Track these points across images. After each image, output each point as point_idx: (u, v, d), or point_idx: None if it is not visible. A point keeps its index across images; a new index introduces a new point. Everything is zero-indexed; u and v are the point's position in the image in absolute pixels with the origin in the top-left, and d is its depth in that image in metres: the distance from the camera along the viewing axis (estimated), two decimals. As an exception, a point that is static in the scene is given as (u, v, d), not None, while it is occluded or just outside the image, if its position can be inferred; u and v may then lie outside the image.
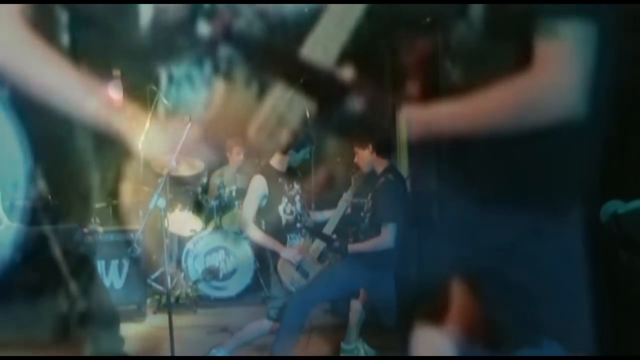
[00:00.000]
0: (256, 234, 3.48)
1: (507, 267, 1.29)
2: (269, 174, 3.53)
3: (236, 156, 5.66)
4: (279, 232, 3.49)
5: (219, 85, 5.52)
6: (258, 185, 3.49)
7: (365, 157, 3.55)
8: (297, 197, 3.60)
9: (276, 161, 3.61)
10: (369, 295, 3.58)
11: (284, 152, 3.53)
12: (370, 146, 3.50)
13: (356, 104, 1.59)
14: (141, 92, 5.04)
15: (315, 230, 3.56)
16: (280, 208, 3.51)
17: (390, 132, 3.40)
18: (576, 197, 1.30)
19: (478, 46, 1.34)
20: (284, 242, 3.50)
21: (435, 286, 1.47)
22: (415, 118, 1.47)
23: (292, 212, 3.54)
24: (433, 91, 1.46)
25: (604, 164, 1.30)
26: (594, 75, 1.16)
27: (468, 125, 1.29)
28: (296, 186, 3.64)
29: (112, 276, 4.66)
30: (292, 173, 3.65)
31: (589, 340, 1.28)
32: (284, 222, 3.51)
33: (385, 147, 3.51)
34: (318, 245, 3.52)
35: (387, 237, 3.34)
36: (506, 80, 1.22)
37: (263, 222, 3.52)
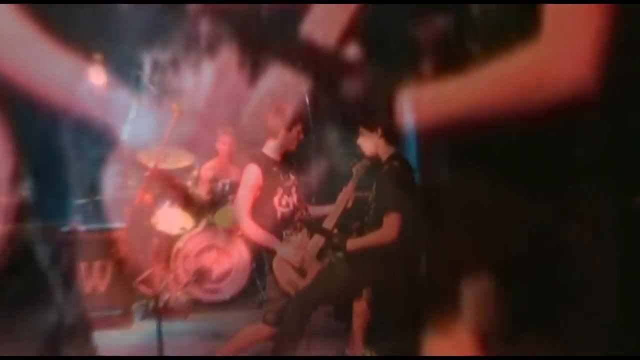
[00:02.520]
0: (251, 229, 3.47)
1: (531, 258, 1.26)
2: (263, 163, 3.51)
3: (228, 146, 5.66)
4: (274, 226, 3.48)
5: (209, 70, 5.50)
6: (251, 175, 3.47)
7: (371, 140, 3.54)
8: (294, 188, 3.59)
9: (270, 148, 3.58)
10: (375, 295, 3.54)
11: (278, 137, 3.52)
12: (379, 130, 3.49)
13: (362, 84, 1.61)
14: (125, 78, 5.01)
15: (314, 225, 3.55)
16: (275, 200, 3.49)
17: (399, 115, 3.38)
18: (601, 182, 1.26)
19: (482, 15, 1.34)
20: (280, 238, 3.48)
21: (448, 282, 1.46)
22: (423, 97, 1.45)
23: (288, 205, 3.52)
24: (440, 68, 1.45)
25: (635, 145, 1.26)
26: (610, 43, 1.14)
27: (476, 104, 1.25)
28: (292, 176, 3.63)
29: (94, 279, 4.62)
30: (287, 162, 3.63)
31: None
32: (279, 215, 3.50)
33: (393, 132, 3.49)
34: (317, 241, 3.51)
35: (390, 228, 3.31)
36: (511, 52, 1.20)
37: (258, 217, 3.50)
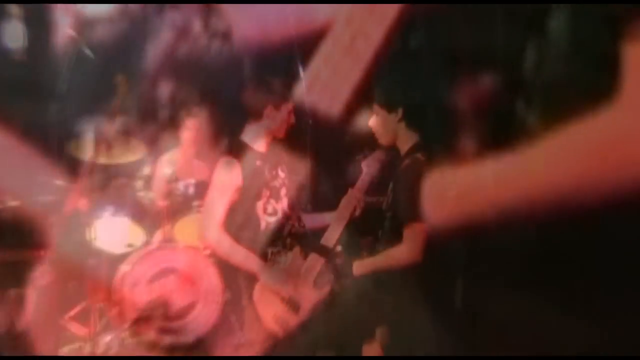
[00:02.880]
0: (224, 246, 3.51)
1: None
2: (242, 155, 3.54)
3: (194, 134, 5.66)
4: (257, 242, 3.52)
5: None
6: (226, 173, 3.51)
7: (388, 123, 3.56)
8: (283, 190, 3.63)
9: (251, 135, 3.62)
10: (392, 336, 3.57)
11: (262, 119, 3.57)
12: (400, 111, 3.51)
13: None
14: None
15: (310, 241, 3.61)
16: (259, 206, 3.53)
17: (426, 97, 3.44)
18: None
19: (551, 76, 1.38)
20: (264, 258, 3.52)
21: (491, 318, 1.50)
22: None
23: (275, 212, 3.57)
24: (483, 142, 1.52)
25: None
26: None
27: (534, 186, 1.32)
28: (282, 174, 3.66)
29: (8, 314, 4.65)
30: (275, 154, 3.68)
31: None
32: (263, 226, 3.54)
33: (418, 116, 3.53)
34: (314, 263, 3.54)
35: (412, 245, 3.34)
36: (581, 119, 1.25)
37: (234, 228, 3.54)
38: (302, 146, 4.68)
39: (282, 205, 3.61)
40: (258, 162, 3.58)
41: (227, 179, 3.50)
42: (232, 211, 3.52)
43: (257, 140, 3.62)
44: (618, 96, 1.20)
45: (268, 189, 3.57)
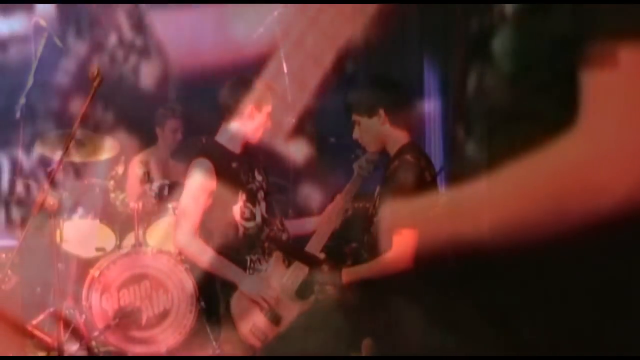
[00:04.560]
0: (199, 252, 3.50)
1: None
2: (216, 157, 3.55)
3: (171, 133, 5.69)
4: (235, 249, 3.51)
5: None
6: (200, 174, 3.50)
7: (372, 128, 3.50)
8: (261, 194, 3.62)
9: (226, 136, 3.61)
10: (379, 348, 3.51)
11: (238, 119, 3.56)
12: (381, 111, 3.45)
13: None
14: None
15: (292, 248, 3.58)
16: (236, 210, 3.51)
17: (412, 91, 3.40)
18: None
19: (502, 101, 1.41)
20: (243, 265, 3.50)
21: (489, 329, 1.50)
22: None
23: (252, 217, 3.55)
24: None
25: None
26: None
27: (494, 216, 1.34)
28: (259, 176, 3.65)
29: (-31, 321, 4.57)
30: (252, 155, 3.68)
31: None
32: (241, 232, 3.53)
33: (404, 114, 3.49)
34: (297, 271, 3.49)
35: (402, 251, 3.29)
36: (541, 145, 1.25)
37: (210, 234, 3.54)
38: (283, 147, 4.66)
39: (261, 209, 3.60)
40: (233, 164, 3.58)
41: (200, 181, 3.51)
42: (207, 216, 3.52)
43: (232, 142, 3.62)
44: (575, 124, 1.18)
45: (244, 192, 3.56)
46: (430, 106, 5.06)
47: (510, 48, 1.37)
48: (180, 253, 4.84)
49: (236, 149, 3.61)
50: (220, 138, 3.63)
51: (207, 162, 3.51)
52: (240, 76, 3.71)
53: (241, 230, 3.52)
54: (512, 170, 1.27)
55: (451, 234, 1.41)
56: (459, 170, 1.51)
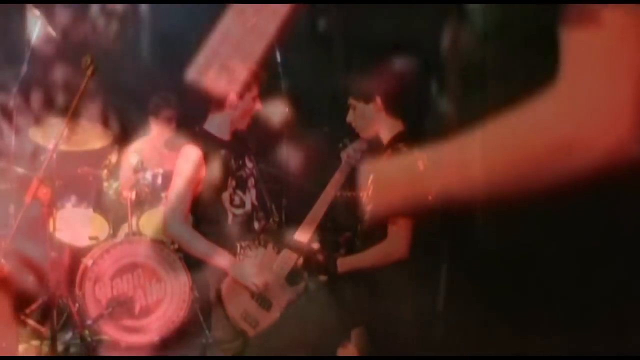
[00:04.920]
0: (189, 239, 3.49)
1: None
2: (205, 144, 3.54)
3: (165, 122, 5.67)
4: (225, 236, 3.49)
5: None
6: (190, 161, 3.49)
7: (367, 114, 3.50)
8: (251, 181, 3.61)
9: (214, 123, 3.60)
10: (370, 339, 3.51)
11: (225, 108, 3.56)
12: (378, 99, 3.45)
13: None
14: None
15: (283, 236, 3.54)
16: (225, 197, 3.51)
17: (409, 81, 3.40)
18: None
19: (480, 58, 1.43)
20: (233, 252, 3.49)
21: (475, 321, 1.55)
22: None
23: (242, 204, 3.55)
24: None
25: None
26: None
27: (474, 174, 1.35)
28: (249, 163, 3.65)
29: (-39, 309, 4.57)
30: (241, 142, 3.67)
31: None
32: (230, 219, 3.51)
33: (399, 102, 3.46)
34: (287, 257, 3.49)
35: (398, 240, 3.29)
36: (521, 102, 1.25)
37: (200, 221, 3.53)
38: (272, 134, 4.65)
39: (251, 197, 3.60)
40: (223, 151, 3.57)
41: (190, 168, 3.50)
42: (197, 203, 3.51)
43: (221, 129, 3.62)
44: (554, 82, 1.17)
45: (234, 179, 3.56)
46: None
47: (485, 7, 1.37)
48: (169, 239, 4.86)
49: (225, 136, 3.61)
50: (209, 126, 3.61)
51: (194, 148, 3.51)
52: (222, 64, 3.59)
53: (230, 216, 3.51)
54: (489, 127, 1.27)
55: (435, 189, 1.41)
56: (432, 127, 1.53)
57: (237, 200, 3.53)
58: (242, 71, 3.52)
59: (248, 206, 3.56)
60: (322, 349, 3.68)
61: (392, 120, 3.48)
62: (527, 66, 1.31)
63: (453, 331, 1.89)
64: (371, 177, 1.73)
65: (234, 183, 3.54)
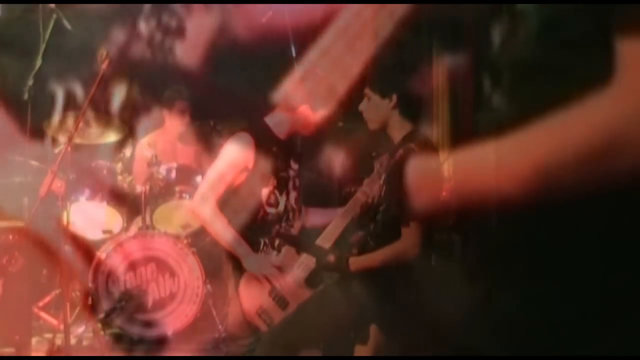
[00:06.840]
0: (212, 220, 3.50)
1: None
2: (260, 136, 3.53)
3: (179, 115, 5.66)
4: (250, 229, 3.52)
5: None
6: (240, 148, 3.49)
7: (381, 108, 3.52)
8: (292, 184, 3.63)
9: (276, 120, 3.60)
10: (384, 338, 3.54)
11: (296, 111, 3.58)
12: (395, 97, 3.47)
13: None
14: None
15: (303, 241, 3.59)
16: (264, 193, 3.52)
17: (424, 84, 3.41)
18: None
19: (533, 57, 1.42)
20: (255, 248, 3.52)
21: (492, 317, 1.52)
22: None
23: (276, 204, 3.57)
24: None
25: None
26: None
27: (523, 172, 1.34)
28: (294, 166, 3.66)
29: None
30: (294, 145, 3.67)
31: None
32: (261, 215, 3.54)
33: (412, 103, 3.50)
34: (308, 260, 3.52)
35: (411, 241, 3.31)
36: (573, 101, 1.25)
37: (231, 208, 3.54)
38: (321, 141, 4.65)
39: (290, 199, 3.63)
40: (274, 148, 3.57)
41: (238, 154, 3.51)
42: (235, 191, 3.53)
43: (279, 127, 3.61)
44: (609, 84, 1.19)
45: (276, 178, 3.58)
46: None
47: (538, 5, 1.38)
48: (194, 216, 4.84)
49: (281, 134, 3.61)
50: (269, 120, 3.61)
51: (249, 137, 3.51)
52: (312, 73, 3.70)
53: (261, 213, 3.53)
54: (542, 125, 1.28)
55: (486, 188, 1.41)
56: (485, 123, 1.50)
57: (272, 199, 3.55)
58: (340, 88, 3.52)
59: (281, 207, 3.57)
60: (334, 346, 3.70)
61: (404, 119, 3.51)
62: (577, 66, 1.30)
63: (465, 329, 1.87)
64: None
65: (274, 182, 3.56)
